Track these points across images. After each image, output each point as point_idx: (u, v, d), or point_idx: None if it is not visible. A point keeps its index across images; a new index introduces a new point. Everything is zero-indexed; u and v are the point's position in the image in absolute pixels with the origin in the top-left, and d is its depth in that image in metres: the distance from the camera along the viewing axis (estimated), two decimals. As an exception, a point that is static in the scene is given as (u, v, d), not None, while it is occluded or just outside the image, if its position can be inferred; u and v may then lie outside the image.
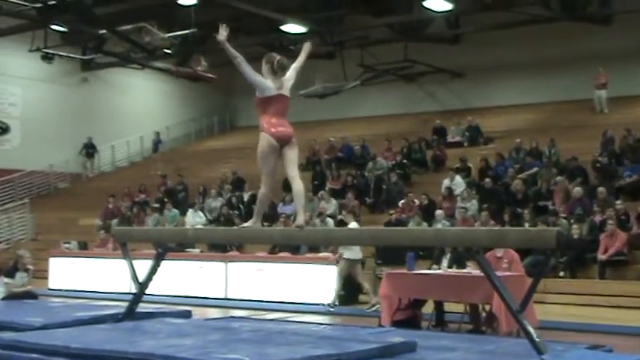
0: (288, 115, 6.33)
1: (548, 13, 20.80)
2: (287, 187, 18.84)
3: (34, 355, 5.11)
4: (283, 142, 6.18)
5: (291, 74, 6.34)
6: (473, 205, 15.35)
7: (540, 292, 11.05)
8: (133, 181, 22.77)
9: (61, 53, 24.33)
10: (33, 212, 22.42)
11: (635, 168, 15.39)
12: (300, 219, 6.23)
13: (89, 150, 25.98)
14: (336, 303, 12.24)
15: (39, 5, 20.77)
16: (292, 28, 22.23)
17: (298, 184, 6.31)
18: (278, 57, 6.29)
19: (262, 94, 6.16)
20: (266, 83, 6.16)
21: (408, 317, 9.49)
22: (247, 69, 6.13)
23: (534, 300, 7.49)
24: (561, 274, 13.02)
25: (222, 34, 6.12)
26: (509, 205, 14.94)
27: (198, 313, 9.14)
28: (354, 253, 12.04)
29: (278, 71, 6.22)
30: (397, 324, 9.03)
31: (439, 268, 10.09)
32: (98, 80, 27.33)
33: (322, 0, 21.85)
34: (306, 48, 6.57)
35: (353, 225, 11.88)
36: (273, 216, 16.42)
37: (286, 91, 6.23)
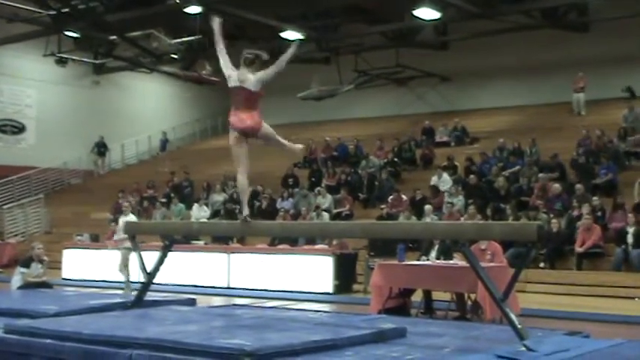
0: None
1: (530, 21, 20.82)
2: (285, 183, 18.95)
3: (48, 341, 5.08)
4: (242, 133, 5.89)
5: (270, 70, 6.00)
6: (459, 200, 15.36)
7: (522, 281, 11.13)
8: (142, 177, 22.72)
9: (74, 57, 24.34)
10: (47, 207, 22.39)
11: (610, 167, 15.41)
12: (245, 211, 6.08)
13: (100, 148, 25.95)
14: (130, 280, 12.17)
15: (53, 13, 20.76)
16: (291, 35, 22.20)
17: (239, 180, 6.10)
18: (247, 53, 5.99)
19: (228, 83, 5.96)
20: (227, 72, 5.95)
21: (399, 305, 9.48)
22: (222, 58, 6.01)
23: (516, 289, 7.52)
24: (541, 265, 13.05)
25: (217, 20, 6.04)
26: (493, 201, 14.95)
27: (202, 301, 9.11)
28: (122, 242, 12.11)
29: (248, 65, 5.91)
30: (388, 311, 9.03)
31: (428, 260, 10.09)
32: (109, 83, 27.29)
33: (319, 9, 21.83)
34: (293, 48, 6.16)
35: (131, 218, 12.30)
36: (272, 211, 16.41)
37: (248, 84, 5.86)
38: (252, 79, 5.91)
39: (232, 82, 5.94)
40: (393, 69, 24.41)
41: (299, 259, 13.58)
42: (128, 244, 12.11)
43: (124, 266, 12.33)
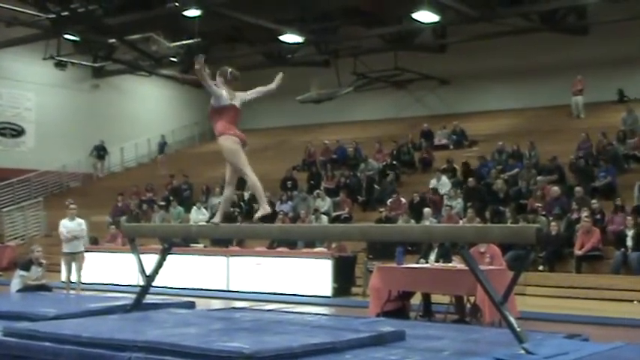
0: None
1: (528, 24, 20.85)
2: (284, 186, 18.92)
3: (47, 344, 5.08)
4: (243, 145, 6.33)
5: (252, 92, 6.51)
6: (458, 203, 15.36)
7: (521, 284, 11.10)
8: (141, 180, 22.72)
9: (74, 61, 24.33)
10: (46, 210, 22.35)
11: (609, 169, 15.42)
12: (265, 208, 6.43)
13: (100, 151, 25.94)
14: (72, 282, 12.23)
15: (52, 16, 20.78)
16: (290, 38, 22.22)
17: (253, 179, 6.48)
18: (230, 69, 6.39)
19: (218, 103, 6.26)
20: (219, 92, 6.25)
21: (397, 308, 9.47)
22: (210, 84, 6.21)
23: (515, 292, 7.50)
24: (540, 267, 13.05)
25: (200, 58, 6.17)
26: (492, 204, 14.95)
27: (201, 304, 9.12)
28: (70, 247, 12.26)
29: (232, 82, 6.33)
30: (387, 314, 9.02)
31: (426, 262, 10.08)
32: (108, 86, 27.29)
33: (318, 12, 21.85)
34: (278, 79, 6.51)
35: (78, 222, 12.49)
36: (271, 214, 16.38)
37: (237, 103, 6.33)
38: (238, 97, 6.35)
39: (225, 101, 6.28)
40: (391, 72, 24.43)
41: (298, 262, 13.56)
42: (67, 248, 12.24)
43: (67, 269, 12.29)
